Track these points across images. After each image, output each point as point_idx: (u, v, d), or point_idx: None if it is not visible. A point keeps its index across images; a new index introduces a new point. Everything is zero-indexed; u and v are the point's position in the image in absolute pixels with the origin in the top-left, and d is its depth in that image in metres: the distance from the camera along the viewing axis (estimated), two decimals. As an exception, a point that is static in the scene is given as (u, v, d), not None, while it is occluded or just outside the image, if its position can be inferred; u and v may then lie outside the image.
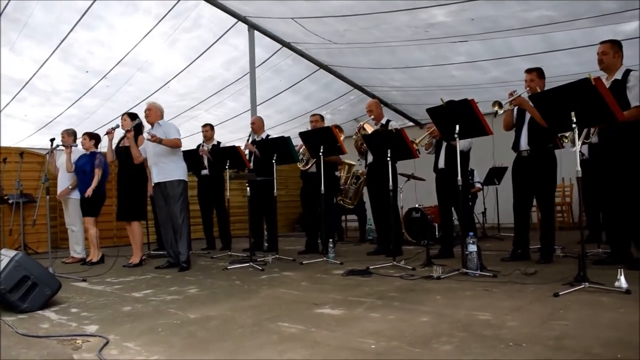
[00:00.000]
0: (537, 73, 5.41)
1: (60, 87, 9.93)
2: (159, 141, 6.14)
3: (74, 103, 10.49)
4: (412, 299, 3.88)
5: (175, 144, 6.34)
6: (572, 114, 3.95)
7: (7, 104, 10.11)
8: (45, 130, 11.22)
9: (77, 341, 3.03)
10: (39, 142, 11.13)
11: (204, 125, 8.89)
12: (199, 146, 8.61)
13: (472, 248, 4.72)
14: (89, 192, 7.11)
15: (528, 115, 5.46)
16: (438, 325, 3.04)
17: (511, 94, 5.37)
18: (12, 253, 4.13)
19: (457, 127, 4.89)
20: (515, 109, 5.61)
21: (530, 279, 4.42)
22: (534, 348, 2.52)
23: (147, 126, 6.67)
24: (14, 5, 7.38)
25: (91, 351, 2.80)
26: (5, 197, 7.92)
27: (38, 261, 4.23)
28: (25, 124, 11.34)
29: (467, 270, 4.73)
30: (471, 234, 4.84)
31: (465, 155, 6.36)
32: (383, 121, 6.96)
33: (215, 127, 9.05)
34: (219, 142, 8.68)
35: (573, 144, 5.00)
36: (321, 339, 2.86)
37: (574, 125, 3.96)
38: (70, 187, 7.44)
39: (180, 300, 4.25)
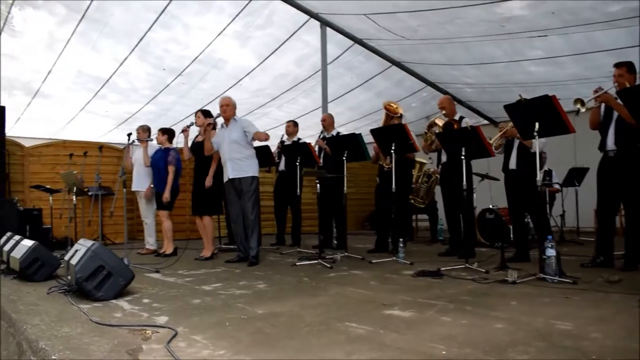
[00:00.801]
0: (626, 68, 5.03)
1: (138, 85, 10.26)
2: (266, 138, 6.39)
3: (151, 100, 10.84)
4: (485, 303, 3.72)
5: (266, 137, 6.48)
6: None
7: (89, 100, 10.56)
8: (124, 126, 11.69)
9: (147, 332, 3.07)
10: (119, 137, 11.56)
11: (288, 122, 8.92)
12: (282, 141, 8.65)
13: (551, 252, 4.48)
14: (166, 195, 7.28)
15: (616, 113, 5.12)
16: (514, 333, 2.88)
17: (596, 91, 5.06)
18: (89, 243, 4.26)
19: (537, 124, 4.66)
20: (603, 106, 5.27)
21: (614, 288, 4.15)
22: (621, 362, 2.34)
23: (220, 121, 6.73)
24: (95, 6, 7.67)
25: (160, 342, 2.83)
26: (86, 190, 8.27)
27: (114, 251, 4.35)
28: (106, 120, 11.83)
29: (544, 276, 4.49)
30: (550, 237, 4.60)
31: (539, 155, 6.05)
32: (456, 117, 6.75)
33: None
34: (299, 139, 8.61)
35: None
36: (390, 341, 2.77)
37: (667, 123, 3.68)
38: (151, 185, 7.65)
39: (248, 295, 4.26)
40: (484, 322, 3.16)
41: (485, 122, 12.47)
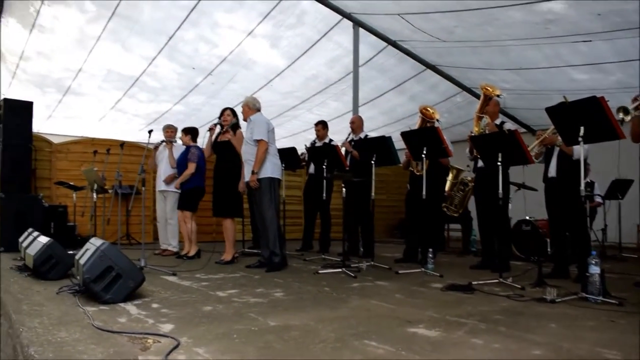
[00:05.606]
0: None
1: (167, 84, 10.16)
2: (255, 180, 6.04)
3: (180, 100, 10.74)
4: (521, 324, 3.37)
5: (260, 158, 6.05)
6: None
7: (119, 99, 10.52)
8: (154, 125, 11.53)
9: (148, 341, 2.84)
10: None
11: (317, 124, 8.46)
12: (312, 143, 8.27)
13: (595, 269, 4.09)
14: (176, 184, 7.31)
15: None
16: (553, 360, 2.55)
17: (636, 99, 4.69)
18: (99, 242, 4.07)
19: (582, 129, 4.29)
20: None
21: (665, 311, 3.77)
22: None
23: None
24: (125, 3, 7.56)
25: (159, 354, 2.58)
26: (107, 187, 8.12)
27: (133, 252, 4.14)
28: (136, 119, 11.79)
29: (587, 295, 4.12)
30: (594, 253, 4.21)
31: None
32: (497, 121, 6.37)
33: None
34: (330, 140, 8.22)
35: None
36: (410, 364, 2.48)
37: None
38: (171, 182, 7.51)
39: (263, 304, 4.00)
40: (520, 346, 2.82)
41: (523, 130, 11.98)
